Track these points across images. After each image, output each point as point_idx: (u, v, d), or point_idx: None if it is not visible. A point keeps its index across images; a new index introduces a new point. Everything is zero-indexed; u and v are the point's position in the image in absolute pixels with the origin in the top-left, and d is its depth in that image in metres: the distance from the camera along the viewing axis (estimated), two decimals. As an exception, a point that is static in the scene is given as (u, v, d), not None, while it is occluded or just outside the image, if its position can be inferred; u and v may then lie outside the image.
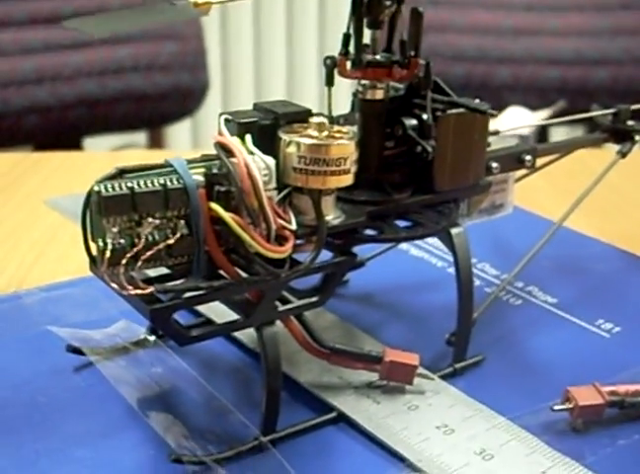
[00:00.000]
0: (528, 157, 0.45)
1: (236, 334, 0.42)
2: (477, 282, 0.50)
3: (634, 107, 0.50)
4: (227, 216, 0.33)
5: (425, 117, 0.39)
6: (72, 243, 0.58)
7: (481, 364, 0.43)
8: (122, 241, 0.32)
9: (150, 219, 0.32)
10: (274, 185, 0.35)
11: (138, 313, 0.34)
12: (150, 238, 0.32)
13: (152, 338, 0.43)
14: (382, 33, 0.39)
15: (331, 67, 0.39)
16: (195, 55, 1.23)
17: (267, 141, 0.35)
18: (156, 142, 1.37)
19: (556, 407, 0.38)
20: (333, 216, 0.37)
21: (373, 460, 0.36)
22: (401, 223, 0.40)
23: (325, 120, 0.36)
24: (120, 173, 0.33)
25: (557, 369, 0.43)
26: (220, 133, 0.35)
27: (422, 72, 0.39)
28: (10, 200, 0.68)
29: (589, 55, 1.19)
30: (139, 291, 0.32)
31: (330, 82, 0.39)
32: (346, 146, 0.35)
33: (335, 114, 0.40)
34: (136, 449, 0.36)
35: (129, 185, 0.32)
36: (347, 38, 0.38)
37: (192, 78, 1.23)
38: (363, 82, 0.39)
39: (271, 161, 0.34)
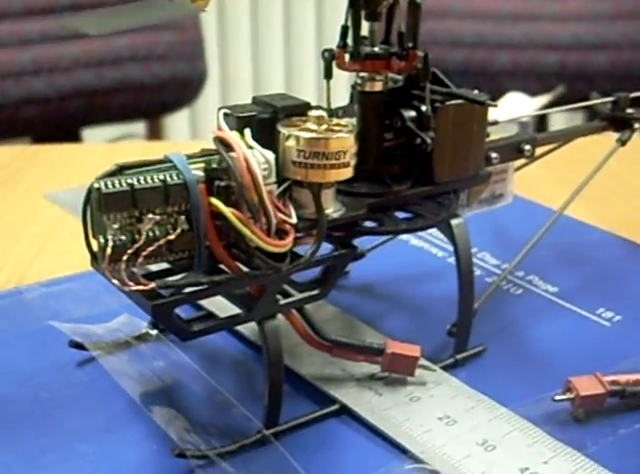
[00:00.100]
0: (528, 147, 0.45)
1: (238, 327, 0.42)
2: (477, 272, 0.50)
3: (633, 95, 0.50)
4: (227, 211, 0.33)
5: (424, 108, 0.39)
6: (73, 237, 0.58)
7: (482, 355, 0.43)
8: (123, 237, 0.32)
9: (150, 215, 0.32)
10: (273, 179, 0.35)
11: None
12: (151, 234, 0.32)
13: (154, 332, 0.43)
14: (380, 24, 0.39)
15: (329, 60, 0.39)
16: (192, 45, 1.23)
17: (266, 135, 0.35)
18: (155, 132, 1.37)
19: (557, 397, 0.38)
20: (333, 209, 0.37)
21: (376, 452, 0.36)
22: (401, 215, 0.40)
23: (324, 113, 0.36)
24: (120, 169, 0.33)
25: (558, 359, 0.43)
26: (219, 128, 0.35)
27: (420, 63, 0.39)
28: (9, 194, 0.68)
29: (587, 40, 1.18)
30: (141, 287, 0.32)
31: (328, 75, 0.39)
32: (345, 139, 0.35)
33: (333, 106, 0.40)
34: (140, 444, 0.36)
35: (129, 181, 0.32)
36: (345, 30, 0.38)
37: (189, 68, 1.23)
38: (362, 74, 0.39)
39: (270, 155, 0.34)
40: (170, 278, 0.35)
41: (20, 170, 0.73)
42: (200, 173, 0.33)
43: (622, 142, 0.50)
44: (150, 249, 0.32)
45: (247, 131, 0.35)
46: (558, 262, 0.52)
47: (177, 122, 1.63)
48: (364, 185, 0.39)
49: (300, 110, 0.36)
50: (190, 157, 0.34)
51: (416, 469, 0.35)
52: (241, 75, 1.72)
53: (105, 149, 0.87)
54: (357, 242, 0.39)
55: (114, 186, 0.32)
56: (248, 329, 0.42)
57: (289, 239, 0.35)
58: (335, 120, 0.36)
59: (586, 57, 1.18)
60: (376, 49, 0.38)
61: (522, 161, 0.48)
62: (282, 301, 0.37)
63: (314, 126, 0.35)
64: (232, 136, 0.34)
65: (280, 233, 0.35)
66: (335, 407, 0.38)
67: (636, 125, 0.50)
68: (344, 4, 0.38)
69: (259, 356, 0.39)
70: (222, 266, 0.35)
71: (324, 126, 0.35)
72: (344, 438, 0.37)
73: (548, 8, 1.22)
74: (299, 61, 1.73)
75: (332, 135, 0.35)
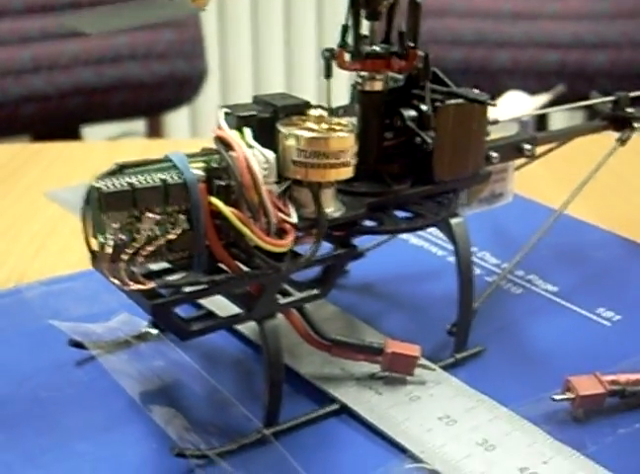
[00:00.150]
0: (528, 146, 0.45)
1: (238, 326, 0.42)
2: (477, 271, 0.50)
3: (633, 94, 0.50)
4: (227, 211, 0.33)
5: (424, 107, 0.39)
6: (73, 235, 0.57)
7: (482, 354, 0.43)
8: (123, 237, 0.32)
9: (150, 215, 0.32)
10: (273, 178, 0.35)
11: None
12: (151, 233, 0.32)
13: (154, 331, 0.43)
14: (381, 24, 0.39)
15: (329, 59, 0.39)
16: (192, 43, 1.23)
17: (266, 134, 0.35)
18: (155, 130, 1.36)
19: (557, 397, 0.38)
20: (333, 209, 0.37)
21: (375, 451, 0.36)
22: (401, 214, 0.40)
23: (324, 113, 0.36)
24: (120, 168, 0.33)
25: (558, 358, 0.43)
26: (220, 127, 0.35)
27: (421, 63, 0.39)
28: (9, 192, 0.67)
29: (587, 39, 1.18)
30: (140, 287, 0.32)
31: (328, 74, 0.39)
32: (345, 139, 0.35)
33: (333, 105, 0.40)
34: (139, 443, 0.36)
35: (129, 180, 0.32)
36: (345, 29, 0.38)
37: (189, 66, 1.23)
38: (362, 74, 0.39)
39: (270, 154, 0.34)
40: (170, 278, 0.35)
41: (20, 168, 0.73)
42: (201, 172, 0.33)
43: (622, 142, 0.50)
44: (150, 248, 0.32)
45: (247, 131, 0.35)
46: (558, 261, 0.52)
47: (177, 120, 1.63)
48: (364, 184, 0.39)
49: (301, 109, 0.36)
50: (190, 156, 0.34)
51: (415, 469, 0.35)
52: (241, 74, 1.72)
53: (105, 147, 0.87)
54: (356, 241, 0.39)
55: (114, 185, 0.32)
56: (248, 328, 0.42)
57: (289, 239, 0.35)
58: (335, 120, 0.36)
59: (586, 56, 1.18)
60: (377, 49, 0.38)
61: (522, 160, 0.48)
62: (282, 301, 0.37)
63: (314, 126, 0.35)
64: (232, 136, 0.34)
65: (280, 233, 0.35)
66: (335, 406, 0.38)
67: (636, 125, 0.50)
68: (344, 3, 0.38)
69: (259, 356, 0.39)
70: (222, 265, 0.34)
71: (324, 126, 0.35)
72: (343, 438, 0.37)
73: (548, 7, 1.22)
74: (299, 60, 1.73)
75: (332, 135, 0.35)
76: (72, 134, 1.20)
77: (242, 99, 0.37)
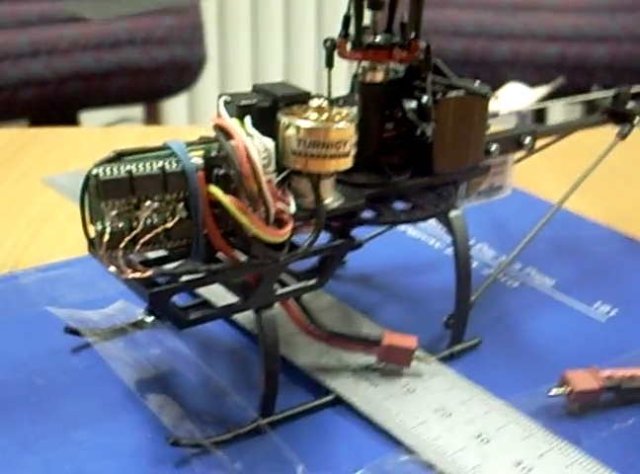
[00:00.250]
0: (528, 139, 0.45)
1: (234, 315, 0.42)
2: (475, 264, 0.50)
3: (634, 89, 0.50)
4: (226, 200, 0.33)
5: (425, 99, 0.39)
6: (69, 220, 0.58)
7: (478, 347, 0.43)
8: (121, 224, 0.31)
9: (149, 202, 0.32)
10: (273, 167, 0.34)
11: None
12: (149, 221, 0.32)
13: (150, 319, 0.43)
14: (383, 14, 0.38)
15: (331, 49, 0.38)
16: (192, 29, 1.22)
17: (266, 124, 0.35)
18: (152, 116, 1.36)
19: (553, 391, 0.38)
20: (332, 199, 0.37)
21: (371, 443, 0.36)
22: (400, 205, 0.40)
23: (324, 103, 0.35)
24: (119, 156, 0.32)
25: (554, 352, 0.43)
26: (219, 116, 0.34)
27: (422, 54, 0.39)
28: (6, 178, 0.67)
29: (588, 32, 1.18)
30: (138, 275, 0.32)
31: (330, 64, 0.39)
32: (345, 130, 0.35)
33: (333, 94, 0.40)
34: (135, 432, 0.36)
35: (128, 168, 0.32)
36: (347, 19, 0.38)
37: (188, 52, 1.22)
38: (363, 64, 0.39)
39: (270, 144, 0.34)
40: (167, 266, 0.35)
41: (17, 153, 0.73)
42: (200, 160, 0.33)
43: (622, 136, 0.50)
44: (148, 236, 0.32)
45: (247, 119, 0.34)
46: (555, 255, 0.52)
47: (175, 107, 1.63)
48: (364, 175, 0.39)
49: (301, 99, 0.36)
50: (189, 144, 0.33)
51: (410, 461, 0.35)
52: (240, 60, 1.72)
53: (102, 133, 0.86)
54: (354, 232, 0.39)
55: (112, 172, 0.31)
56: (244, 317, 0.42)
57: (288, 228, 0.34)
58: (335, 110, 0.36)
59: (586, 49, 1.17)
60: (378, 39, 0.38)
61: (522, 153, 0.48)
62: (280, 291, 0.37)
63: (314, 116, 0.35)
64: (232, 124, 0.34)
65: (279, 222, 0.34)
66: (330, 397, 0.38)
67: (636, 119, 0.50)
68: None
69: (255, 345, 0.39)
70: (220, 254, 0.34)
71: (324, 116, 0.35)
72: (339, 429, 0.37)
73: (549, -1, 1.22)
74: (299, 46, 1.72)
75: (332, 125, 0.34)
76: (70, 119, 1.20)
77: (241, 86, 0.37)
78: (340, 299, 0.45)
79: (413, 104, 0.39)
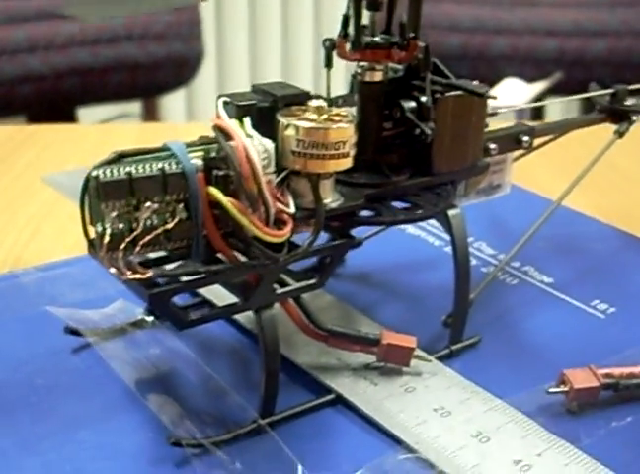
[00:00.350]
0: (526, 138, 0.45)
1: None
2: (474, 262, 0.50)
3: (632, 86, 0.50)
4: (226, 201, 0.33)
5: (423, 99, 0.39)
6: (69, 219, 0.58)
7: (477, 345, 0.43)
8: (121, 226, 0.32)
9: (149, 204, 0.32)
10: (272, 168, 0.35)
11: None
12: (149, 223, 0.32)
13: (150, 318, 0.43)
14: (381, 14, 0.38)
15: (330, 49, 0.38)
16: (189, 25, 1.22)
17: (265, 124, 0.35)
18: (150, 112, 1.36)
19: (552, 390, 0.38)
20: (331, 199, 0.37)
21: (371, 442, 0.36)
22: (399, 204, 0.40)
23: (324, 103, 0.35)
24: (119, 157, 0.32)
25: (552, 350, 0.43)
26: (219, 116, 0.34)
27: (421, 54, 0.39)
28: (5, 175, 0.67)
29: (587, 27, 1.18)
30: (138, 276, 0.32)
31: (329, 64, 0.39)
32: (344, 130, 0.35)
33: (332, 93, 0.40)
34: (136, 432, 0.36)
35: (128, 169, 0.32)
36: (346, 19, 0.38)
37: (186, 47, 1.22)
38: (362, 64, 0.39)
39: (269, 144, 0.34)
40: (167, 266, 0.35)
41: (16, 150, 0.73)
42: (199, 162, 0.33)
43: (620, 134, 0.50)
44: (148, 238, 0.32)
45: (246, 120, 0.35)
46: (554, 253, 0.52)
47: (173, 102, 1.63)
48: (363, 175, 0.39)
49: (300, 99, 0.36)
50: (189, 145, 0.33)
51: (410, 460, 0.35)
52: (238, 55, 1.72)
53: (101, 131, 0.87)
54: (354, 230, 0.39)
55: (112, 174, 0.31)
56: (244, 317, 0.42)
57: (287, 229, 0.35)
58: (335, 110, 0.36)
59: (585, 44, 1.17)
60: (377, 39, 0.38)
61: (520, 152, 0.48)
62: (279, 291, 0.37)
63: (314, 116, 0.35)
64: (231, 125, 0.34)
65: (279, 223, 0.35)
66: (330, 397, 0.38)
67: (634, 118, 0.50)
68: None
69: (255, 345, 0.39)
70: (220, 255, 0.34)
71: (324, 116, 0.35)
72: (339, 428, 0.37)
73: (547, -7, 1.22)
74: (297, 40, 1.72)
75: (331, 126, 0.34)
76: (68, 115, 1.20)
77: (239, 81, 0.37)
78: (339, 298, 0.46)
79: (412, 103, 0.39)
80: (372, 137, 0.39)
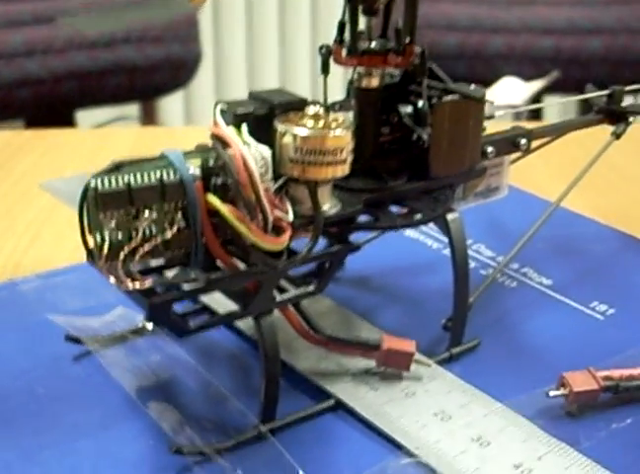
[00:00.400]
0: (524, 141, 0.45)
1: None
2: (472, 264, 0.50)
3: (629, 88, 0.50)
4: (224, 209, 0.33)
5: (420, 104, 0.39)
6: (68, 224, 0.57)
7: (477, 349, 0.43)
8: (120, 235, 0.32)
9: (147, 213, 0.32)
10: (270, 175, 0.35)
11: (136, 303, 0.34)
12: (148, 232, 0.32)
13: (150, 325, 0.43)
14: (377, 19, 0.38)
15: (326, 56, 0.38)
16: (187, 27, 1.22)
17: (263, 131, 0.35)
18: (149, 115, 1.36)
19: (551, 393, 0.38)
20: (329, 205, 0.37)
21: (372, 447, 0.36)
22: (398, 208, 0.40)
23: (321, 110, 0.35)
24: (117, 167, 0.32)
25: (552, 353, 0.43)
26: (216, 124, 0.35)
27: (417, 59, 0.39)
28: (4, 181, 0.67)
29: (582, 25, 1.18)
30: (138, 285, 0.32)
31: (325, 70, 0.39)
32: (342, 137, 0.35)
33: (329, 97, 0.40)
34: (137, 440, 0.36)
35: (126, 179, 0.32)
36: (342, 25, 0.38)
37: (183, 49, 1.22)
38: (359, 69, 0.39)
39: (267, 152, 0.34)
40: (167, 274, 0.35)
41: (14, 156, 0.73)
42: (197, 170, 0.33)
43: (617, 135, 0.50)
44: (147, 247, 0.32)
45: (244, 127, 0.35)
46: (553, 254, 0.53)
47: (171, 104, 1.63)
48: (361, 180, 0.39)
49: (297, 106, 0.36)
50: (186, 154, 0.34)
51: (411, 464, 0.35)
52: (236, 57, 1.72)
53: (99, 135, 0.86)
54: (352, 235, 0.39)
55: (110, 184, 0.32)
56: (244, 323, 0.42)
57: (286, 236, 0.35)
58: (332, 116, 0.36)
59: (580, 42, 1.17)
60: (373, 45, 0.38)
61: (518, 154, 0.48)
62: (279, 297, 0.37)
63: (311, 123, 0.35)
64: (229, 133, 0.34)
65: (277, 230, 0.35)
66: (331, 402, 0.38)
67: (631, 119, 0.50)
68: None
69: (255, 350, 0.39)
70: (219, 262, 0.35)
71: (321, 123, 0.35)
72: (340, 434, 0.37)
73: (543, -8, 1.22)
74: (294, 42, 1.72)
75: (329, 133, 0.34)
76: (66, 119, 1.20)
77: (237, 83, 0.37)
78: (339, 302, 0.46)
79: (409, 108, 0.39)
80: (370, 142, 0.39)
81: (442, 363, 0.41)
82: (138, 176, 0.32)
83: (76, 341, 0.42)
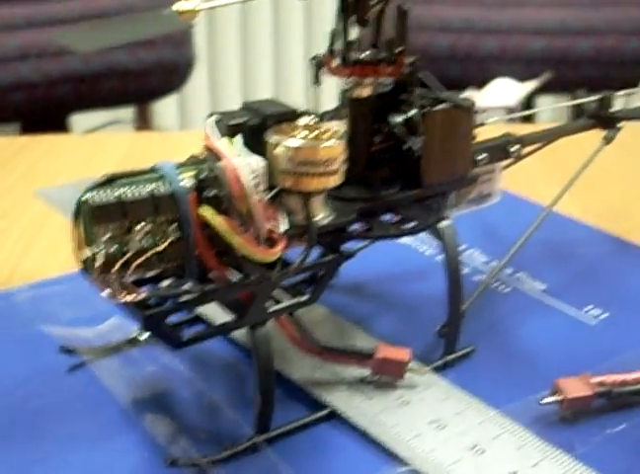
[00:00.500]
0: (515, 148, 0.45)
1: (228, 330, 0.42)
2: (466, 270, 0.50)
3: (619, 93, 0.50)
4: (217, 221, 0.33)
5: (412, 113, 0.39)
6: (62, 232, 0.57)
7: (471, 355, 0.43)
8: (113, 248, 0.32)
9: (140, 226, 0.32)
10: (263, 186, 0.35)
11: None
12: (141, 244, 0.32)
13: (144, 336, 0.43)
14: (369, 30, 0.38)
15: (317, 67, 0.39)
16: (180, 31, 1.22)
17: (256, 141, 0.35)
18: (143, 118, 1.36)
19: (545, 399, 0.38)
20: (323, 215, 0.37)
21: (367, 457, 0.36)
22: (390, 216, 0.41)
23: (313, 120, 0.36)
24: (109, 180, 0.32)
25: (546, 357, 0.43)
26: (209, 136, 0.35)
27: (408, 68, 0.39)
28: (-3, 188, 0.67)
29: (572, 26, 1.19)
30: (132, 298, 0.32)
31: (317, 81, 0.39)
32: (334, 147, 0.35)
33: (321, 108, 0.40)
34: (131, 452, 0.36)
35: (119, 192, 0.32)
36: (334, 35, 0.38)
37: (176, 53, 1.22)
38: (351, 79, 0.39)
39: (260, 163, 0.34)
40: (161, 285, 0.35)
41: (8, 162, 0.73)
42: (190, 182, 0.33)
43: (608, 140, 0.50)
44: (141, 259, 0.32)
45: (237, 138, 0.35)
46: (546, 259, 0.53)
47: (165, 108, 1.63)
48: (354, 189, 0.39)
49: (289, 116, 0.36)
50: (179, 166, 0.34)
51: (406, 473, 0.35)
52: (230, 61, 1.72)
53: (93, 140, 0.86)
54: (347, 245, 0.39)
55: (103, 198, 0.32)
56: (239, 332, 0.42)
57: (279, 247, 0.35)
58: (324, 126, 0.36)
59: (571, 43, 1.18)
60: (365, 55, 0.38)
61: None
62: (273, 308, 0.37)
63: (303, 134, 0.35)
64: (222, 145, 0.34)
65: (270, 241, 0.35)
66: (326, 411, 0.38)
67: (620, 124, 0.50)
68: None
69: (249, 359, 0.39)
70: (213, 273, 0.35)
71: (313, 134, 0.35)
72: (335, 443, 0.37)
73: (535, -6, 1.23)
74: (288, 46, 1.72)
75: (320, 144, 0.35)
76: (60, 123, 1.20)
77: (231, 87, 0.37)
78: (333, 310, 0.46)
79: (400, 118, 0.39)
80: (362, 152, 0.39)
81: (437, 371, 0.41)
82: (131, 189, 0.32)
83: (71, 352, 0.42)
